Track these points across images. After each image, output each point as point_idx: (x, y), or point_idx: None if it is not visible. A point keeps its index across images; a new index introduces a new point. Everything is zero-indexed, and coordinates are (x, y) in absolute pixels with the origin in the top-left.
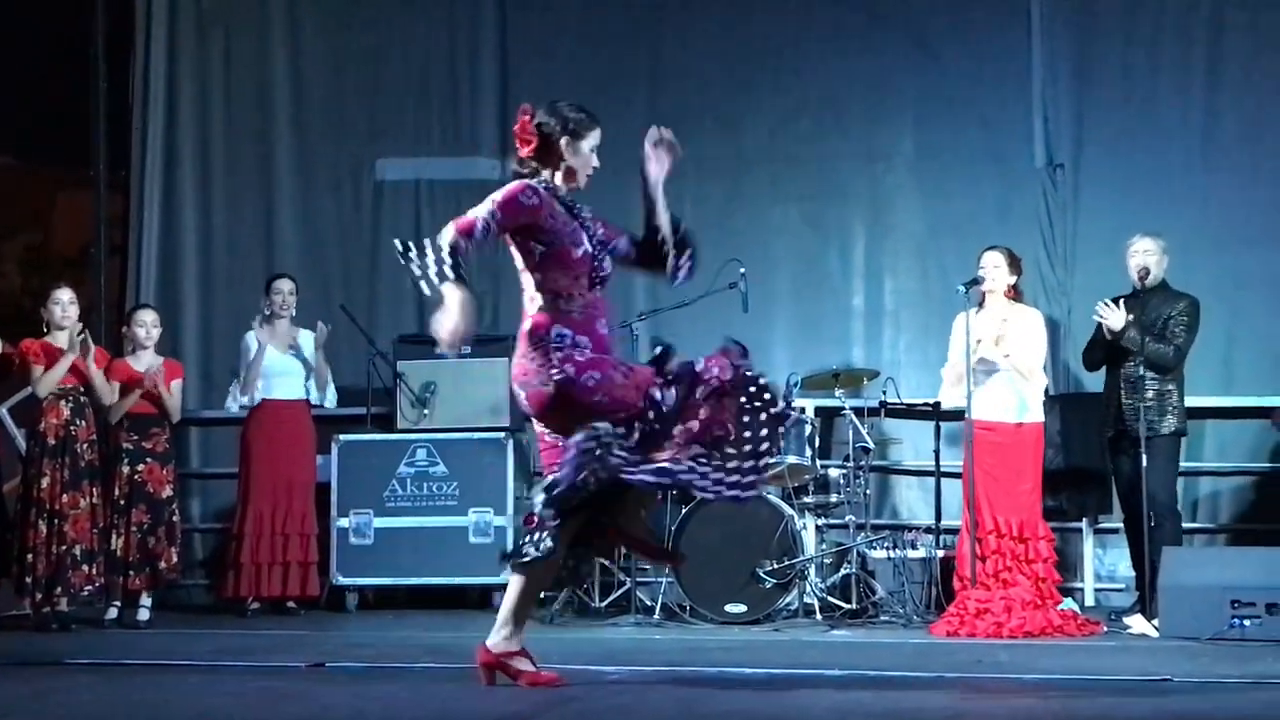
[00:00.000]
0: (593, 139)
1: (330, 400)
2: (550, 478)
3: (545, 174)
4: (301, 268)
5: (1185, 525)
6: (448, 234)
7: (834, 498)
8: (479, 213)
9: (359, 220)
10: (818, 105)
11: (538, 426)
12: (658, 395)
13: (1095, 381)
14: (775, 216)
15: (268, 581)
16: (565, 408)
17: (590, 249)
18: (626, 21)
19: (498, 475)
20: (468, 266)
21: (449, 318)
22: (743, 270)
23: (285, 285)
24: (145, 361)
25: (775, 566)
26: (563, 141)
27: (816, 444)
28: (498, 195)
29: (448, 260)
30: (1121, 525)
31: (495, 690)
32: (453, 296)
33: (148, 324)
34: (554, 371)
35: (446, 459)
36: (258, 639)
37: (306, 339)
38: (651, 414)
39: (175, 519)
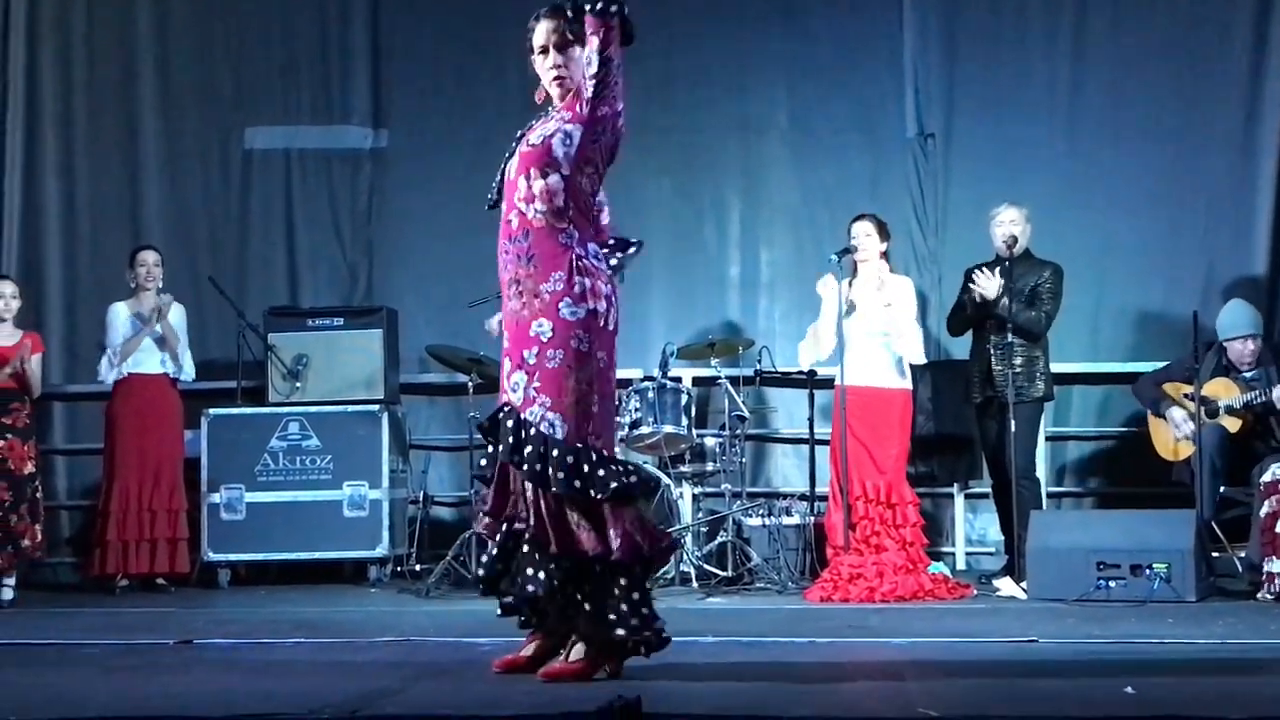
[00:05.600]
0: (534, 42)
1: (188, 373)
2: None
3: None
4: (168, 238)
5: (1053, 489)
6: None
7: (710, 466)
8: None
9: (227, 190)
10: (689, 76)
11: None
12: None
13: (965, 349)
14: (649, 188)
15: (135, 558)
16: None
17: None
18: None
19: (372, 448)
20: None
21: None
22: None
23: (150, 257)
24: (4, 336)
25: None
26: (530, 62)
27: (693, 413)
28: None
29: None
30: (990, 490)
31: (363, 665)
32: None
33: (7, 296)
34: None
35: (320, 432)
36: (125, 617)
37: (173, 311)
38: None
39: (38, 496)
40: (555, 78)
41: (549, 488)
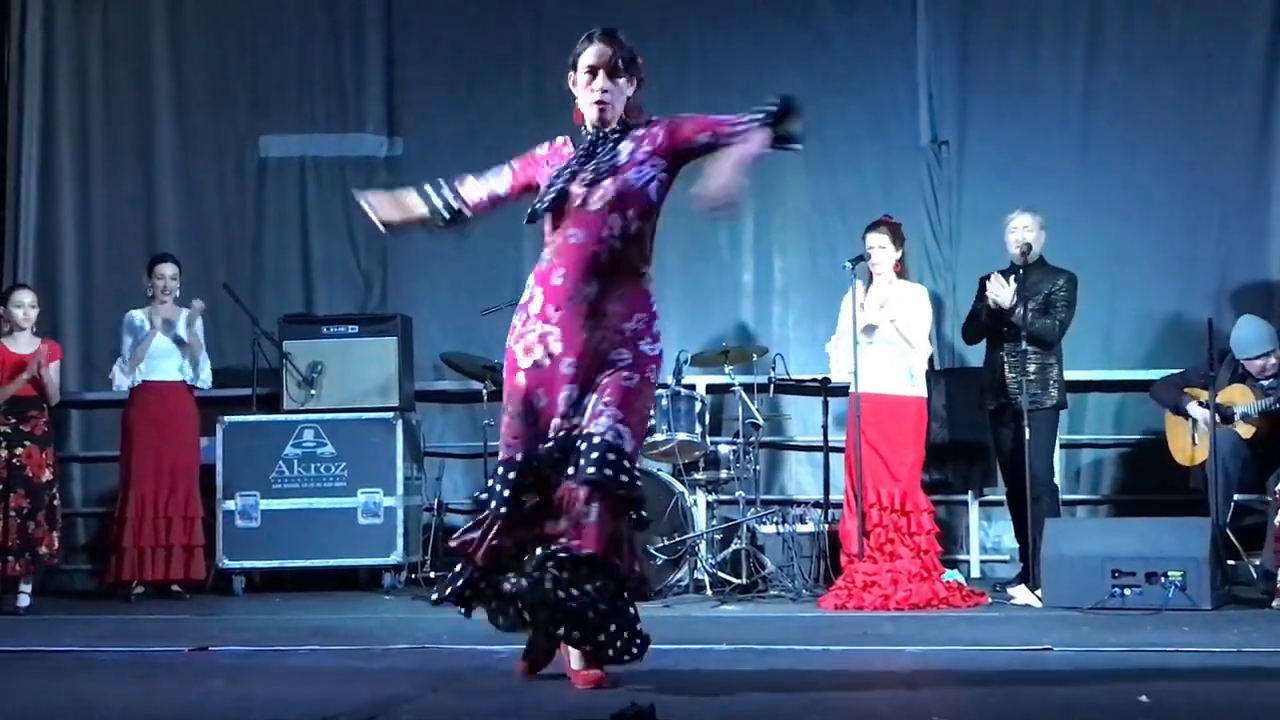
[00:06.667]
0: (582, 61)
1: (204, 380)
2: None
3: None
4: (183, 246)
5: (1067, 496)
6: None
7: (724, 474)
8: None
9: (242, 198)
10: (703, 82)
11: None
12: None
13: (979, 356)
14: None
15: (151, 565)
16: None
17: (555, 181)
18: None
19: (387, 455)
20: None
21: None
22: None
23: (168, 270)
24: (23, 344)
25: (666, 543)
26: (569, 78)
27: (706, 420)
28: None
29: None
30: (1004, 497)
31: (378, 673)
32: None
33: (25, 304)
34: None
35: (334, 439)
36: (141, 624)
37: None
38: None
39: (55, 503)
40: (598, 102)
41: (615, 490)
